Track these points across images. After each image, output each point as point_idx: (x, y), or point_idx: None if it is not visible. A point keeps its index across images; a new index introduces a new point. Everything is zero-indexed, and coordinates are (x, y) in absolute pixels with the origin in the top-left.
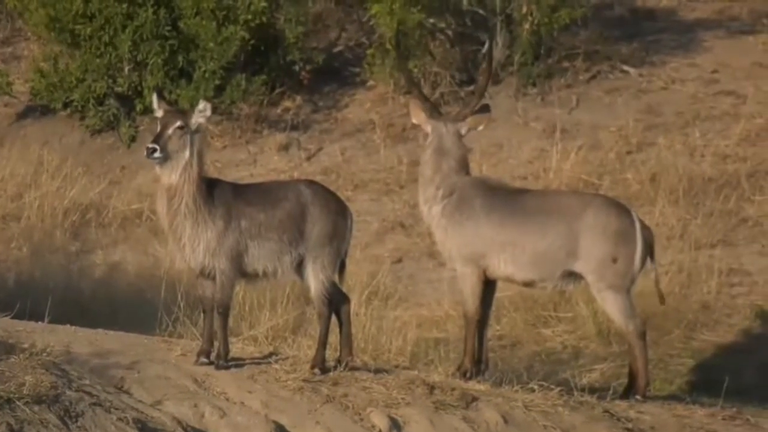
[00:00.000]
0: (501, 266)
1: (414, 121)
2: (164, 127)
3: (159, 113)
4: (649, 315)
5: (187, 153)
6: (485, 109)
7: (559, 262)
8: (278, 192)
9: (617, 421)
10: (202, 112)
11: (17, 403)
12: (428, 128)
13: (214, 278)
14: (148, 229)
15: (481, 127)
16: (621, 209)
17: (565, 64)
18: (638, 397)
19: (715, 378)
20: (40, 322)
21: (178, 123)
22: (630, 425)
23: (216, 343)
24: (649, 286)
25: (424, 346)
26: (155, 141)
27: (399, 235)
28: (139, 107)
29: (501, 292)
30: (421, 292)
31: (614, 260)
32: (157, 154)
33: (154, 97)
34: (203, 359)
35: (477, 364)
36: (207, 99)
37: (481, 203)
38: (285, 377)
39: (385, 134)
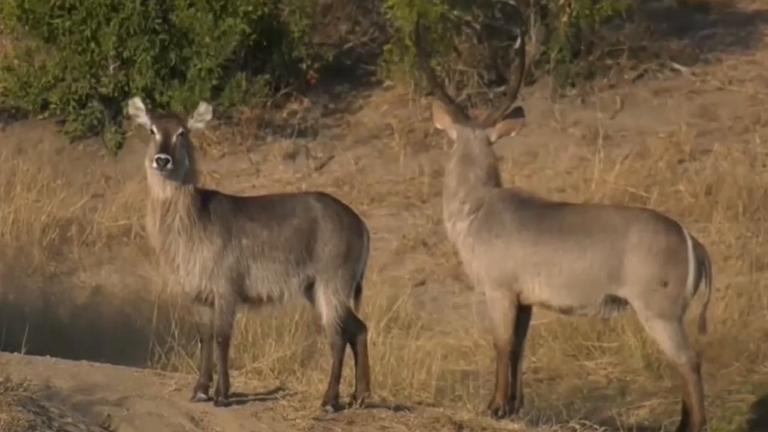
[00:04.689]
0: (535, 290)
1: (437, 125)
2: (167, 135)
3: (143, 118)
4: (705, 345)
5: (186, 163)
6: (518, 112)
7: (601, 286)
8: (284, 206)
9: None
10: (201, 116)
11: None
12: (453, 134)
13: (212, 303)
14: (137, 247)
15: (513, 134)
16: (670, 225)
17: (608, 61)
18: None
19: None
20: (15, 353)
21: (181, 130)
22: None
23: (215, 377)
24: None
25: (451, 379)
26: (164, 150)
27: (421, 255)
28: (125, 110)
29: (537, 320)
30: (446, 319)
31: (664, 284)
32: (170, 166)
33: (137, 101)
34: (201, 395)
35: (510, 401)
36: (206, 101)
37: (512, 218)
38: (293, 415)
39: (405, 141)
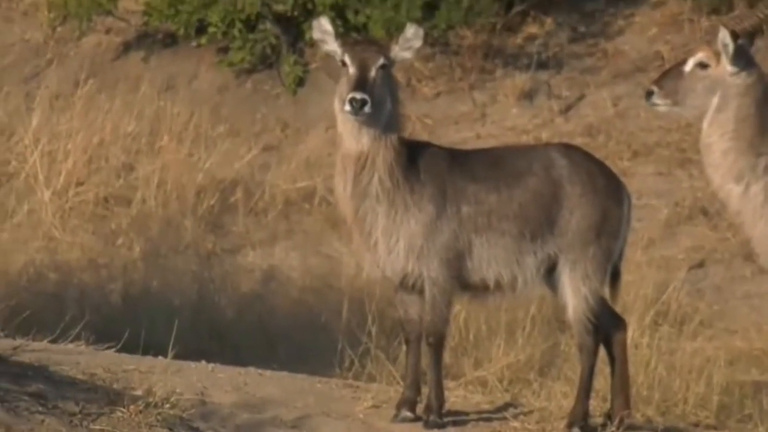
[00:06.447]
0: None
1: (707, 58)
2: (365, 68)
3: (331, 45)
4: None
5: (389, 105)
6: None
7: None
8: (518, 162)
9: None
10: (409, 42)
11: None
12: (750, 72)
13: (421, 292)
14: (323, 217)
15: None
16: None
17: None
18: None
19: None
20: (160, 358)
21: (382, 61)
22: None
23: (424, 389)
24: None
25: (738, 394)
26: (360, 88)
27: (700, 227)
28: (308, 35)
29: None
30: (732, 313)
31: None
32: (368, 109)
33: (324, 22)
34: (406, 413)
35: None
36: (416, 22)
37: None
38: None
39: None
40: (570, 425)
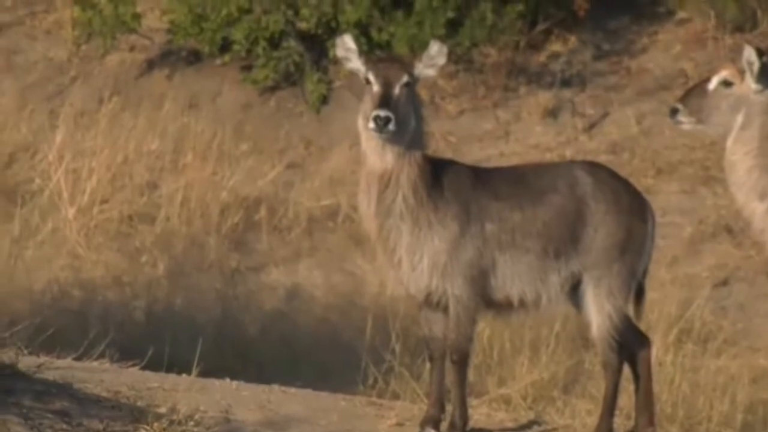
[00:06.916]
0: None
1: (731, 76)
2: (388, 86)
3: (355, 62)
4: None
5: (413, 122)
6: None
7: None
8: (542, 180)
9: None
10: (433, 60)
11: None
12: (766, 86)
13: (445, 310)
14: (347, 235)
15: None
16: None
17: None
18: None
19: None
20: (184, 375)
21: (405, 78)
22: None
23: (448, 407)
24: None
25: (763, 412)
26: (384, 105)
27: (724, 245)
28: (332, 53)
29: None
30: (756, 331)
31: None
32: (392, 126)
33: (347, 39)
34: (430, 430)
35: None
36: (440, 39)
37: None
38: None
39: None
40: None
